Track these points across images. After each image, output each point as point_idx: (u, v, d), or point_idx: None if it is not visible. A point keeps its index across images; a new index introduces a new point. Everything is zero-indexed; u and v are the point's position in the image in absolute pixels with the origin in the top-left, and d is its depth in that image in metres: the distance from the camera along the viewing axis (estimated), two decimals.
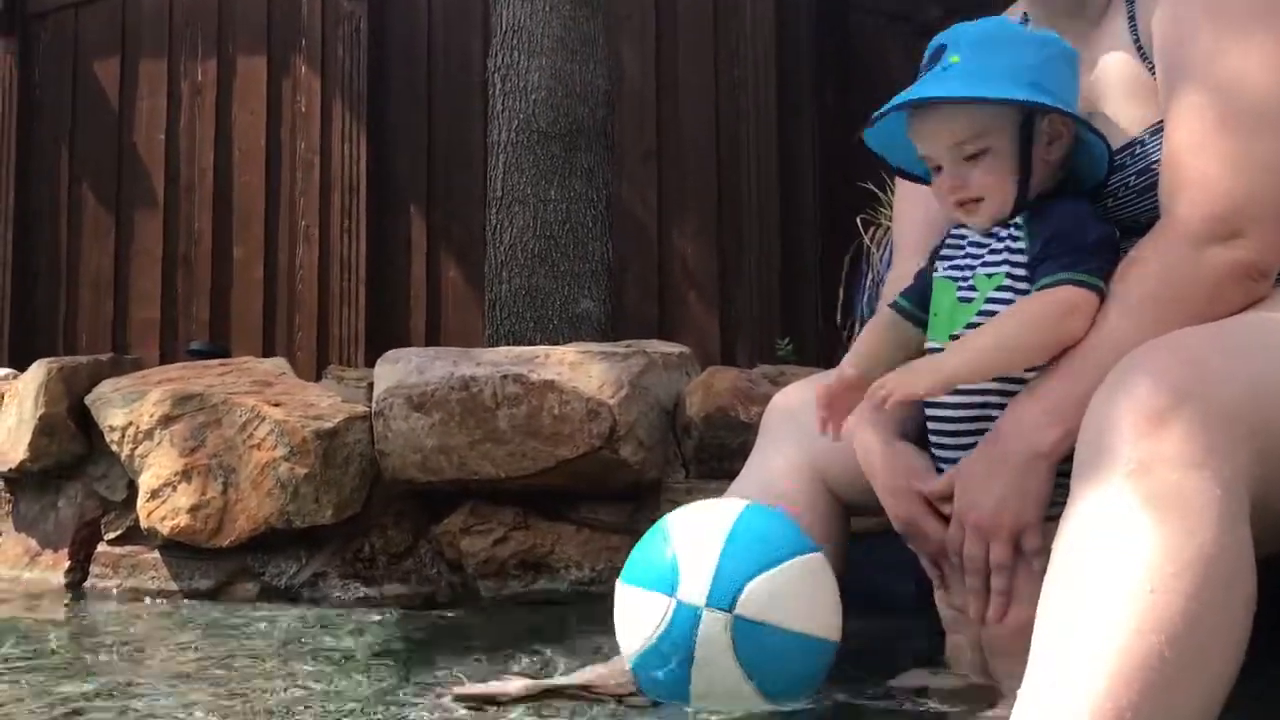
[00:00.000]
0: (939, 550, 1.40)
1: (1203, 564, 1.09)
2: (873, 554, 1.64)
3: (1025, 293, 1.36)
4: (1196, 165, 1.34)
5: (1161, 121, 1.42)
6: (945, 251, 1.47)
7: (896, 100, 1.38)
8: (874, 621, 1.59)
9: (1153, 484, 1.11)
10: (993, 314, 1.37)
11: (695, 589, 1.27)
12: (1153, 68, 1.44)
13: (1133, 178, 1.44)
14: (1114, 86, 1.48)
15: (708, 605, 1.26)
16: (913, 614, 1.63)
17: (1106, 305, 1.35)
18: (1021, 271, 1.37)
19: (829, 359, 2.92)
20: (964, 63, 1.36)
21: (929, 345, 1.44)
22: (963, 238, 1.45)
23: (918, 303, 1.50)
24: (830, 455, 1.57)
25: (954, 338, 1.40)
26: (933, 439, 1.43)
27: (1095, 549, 1.13)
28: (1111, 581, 1.10)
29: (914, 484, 1.41)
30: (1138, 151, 1.44)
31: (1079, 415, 1.24)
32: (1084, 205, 1.40)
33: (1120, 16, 1.49)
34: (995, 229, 1.41)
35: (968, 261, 1.43)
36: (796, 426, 1.63)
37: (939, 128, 1.38)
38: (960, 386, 1.36)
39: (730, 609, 1.26)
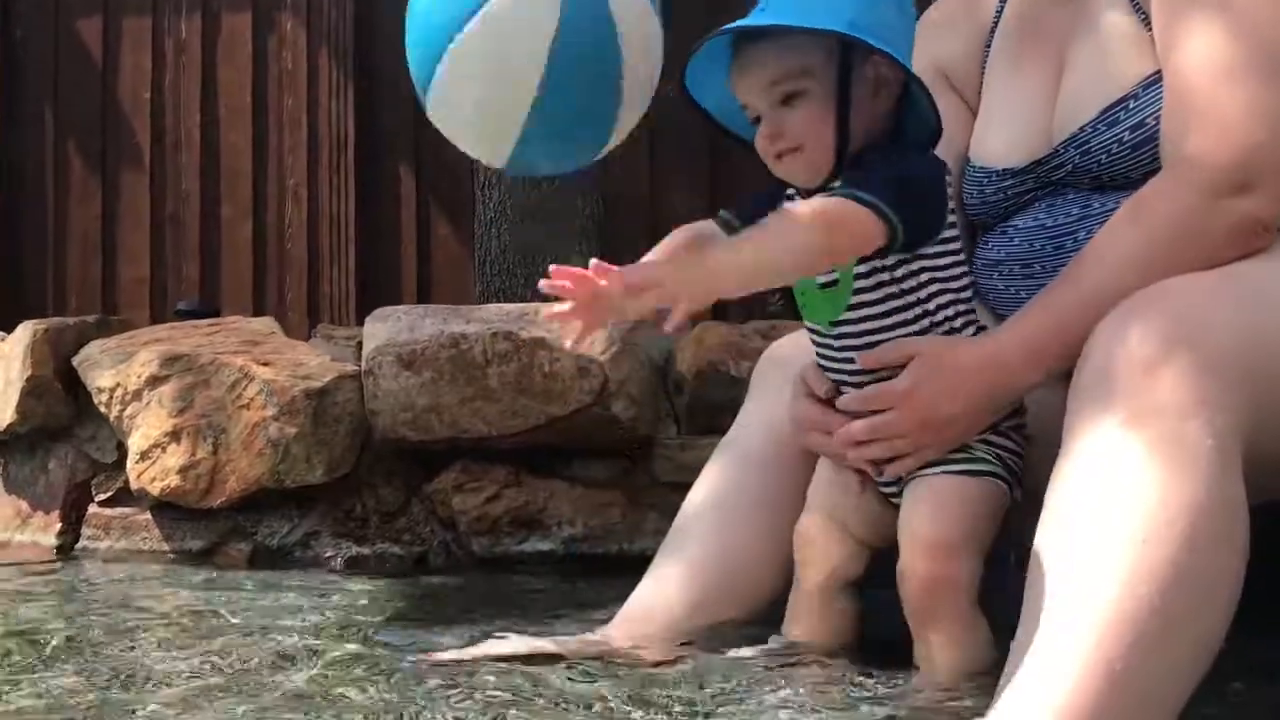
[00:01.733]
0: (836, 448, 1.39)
1: (1195, 514, 1.09)
2: None
3: (885, 269, 1.31)
4: (1213, 109, 1.31)
5: (1156, 73, 1.39)
6: None
7: (707, 37, 1.30)
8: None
9: (1146, 433, 1.11)
10: (859, 296, 1.32)
11: None
12: (1146, 20, 1.41)
13: (1126, 133, 1.41)
14: (1107, 38, 1.45)
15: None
16: None
17: (1108, 249, 1.33)
18: None
19: None
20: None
21: (810, 325, 1.40)
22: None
23: (745, 220, 1.38)
24: None
25: (836, 324, 1.35)
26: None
27: (1088, 498, 1.13)
28: (1103, 532, 1.10)
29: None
30: (1131, 106, 1.41)
31: (1065, 357, 1.24)
32: (906, 149, 1.32)
33: None
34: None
35: None
36: (792, 375, 1.61)
37: (754, 70, 1.30)
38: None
39: None
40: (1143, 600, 1.06)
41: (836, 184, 1.30)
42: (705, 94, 1.38)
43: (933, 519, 1.32)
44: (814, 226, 1.23)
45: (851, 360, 1.36)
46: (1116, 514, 1.10)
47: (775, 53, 1.29)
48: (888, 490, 1.39)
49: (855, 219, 1.23)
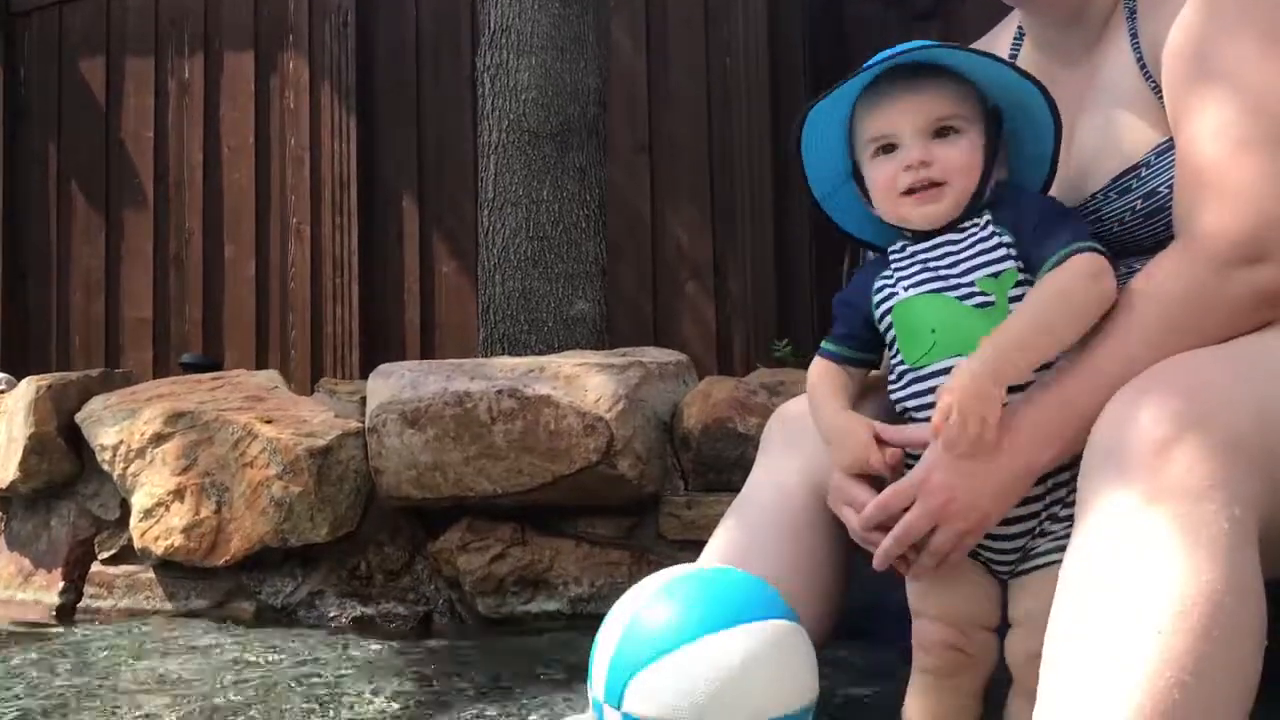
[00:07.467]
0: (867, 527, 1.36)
1: (1211, 601, 1.07)
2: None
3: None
4: (1223, 181, 1.29)
5: (1167, 141, 1.37)
6: (889, 272, 1.39)
7: (899, 49, 1.33)
8: (883, 652, 1.56)
9: (1159, 517, 1.09)
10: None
11: (599, 684, 1.19)
12: (1156, 88, 1.40)
13: (1138, 202, 1.40)
14: (1117, 105, 1.43)
15: (606, 701, 1.17)
16: None
17: (1117, 324, 1.30)
18: (1022, 263, 1.32)
19: None
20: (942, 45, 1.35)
21: (938, 366, 1.34)
22: (903, 250, 1.39)
23: (858, 345, 1.43)
24: None
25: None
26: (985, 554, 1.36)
27: (1101, 587, 1.11)
28: (1119, 622, 1.08)
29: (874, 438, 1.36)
30: (1143, 174, 1.40)
31: (1077, 434, 1.22)
32: (1047, 197, 1.41)
33: (1121, 34, 1.44)
34: (951, 234, 1.35)
35: (922, 275, 1.35)
36: (805, 437, 1.58)
37: (920, 97, 1.33)
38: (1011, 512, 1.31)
39: (619, 706, 1.16)
40: (1161, 693, 1.04)
41: (994, 225, 1.34)
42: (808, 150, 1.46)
43: None
44: (1084, 281, 1.28)
45: None
46: (1132, 604, 1.08)
47: (943, 88, 1.34)
48: (991, 559, 1.35)
49: (1107, 268, 1.29)
